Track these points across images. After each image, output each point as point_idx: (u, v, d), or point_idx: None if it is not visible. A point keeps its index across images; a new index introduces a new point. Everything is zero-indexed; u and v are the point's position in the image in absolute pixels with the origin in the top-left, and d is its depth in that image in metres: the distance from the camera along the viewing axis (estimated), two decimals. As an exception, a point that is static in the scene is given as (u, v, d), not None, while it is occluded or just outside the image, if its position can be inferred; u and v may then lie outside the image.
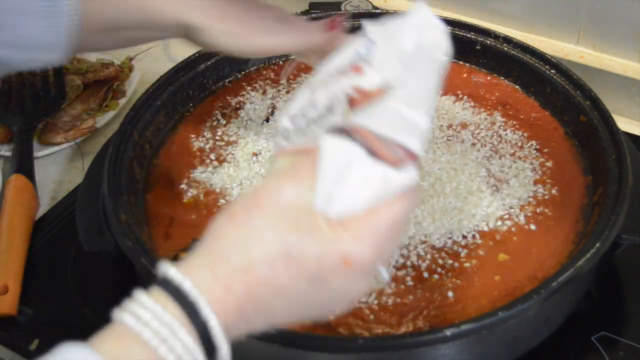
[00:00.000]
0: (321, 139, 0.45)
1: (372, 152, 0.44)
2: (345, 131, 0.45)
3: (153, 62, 1.05)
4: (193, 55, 0.84)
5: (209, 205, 0.72)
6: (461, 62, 0.89)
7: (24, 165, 0.85)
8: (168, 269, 0.43)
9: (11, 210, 0.79)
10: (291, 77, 0.88)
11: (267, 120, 0.81)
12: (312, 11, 1.01)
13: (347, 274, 0.44)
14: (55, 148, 0.91)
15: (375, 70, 0.46)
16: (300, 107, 0.49)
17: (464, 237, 0.68)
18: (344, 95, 0.46)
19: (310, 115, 0.48)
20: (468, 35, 0.87)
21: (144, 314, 0.41)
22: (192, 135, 0.80)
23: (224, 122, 0.82)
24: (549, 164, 0.76)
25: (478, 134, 0.79)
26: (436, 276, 0.65)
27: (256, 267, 0.42)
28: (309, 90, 0.50)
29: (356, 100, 0.46)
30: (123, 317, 0.41)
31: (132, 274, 0.69)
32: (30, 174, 0.85)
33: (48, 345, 0.69)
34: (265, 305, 0.43)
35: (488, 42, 0.86)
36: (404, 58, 0.47)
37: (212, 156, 0.78)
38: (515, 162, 0.76)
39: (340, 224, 0.44)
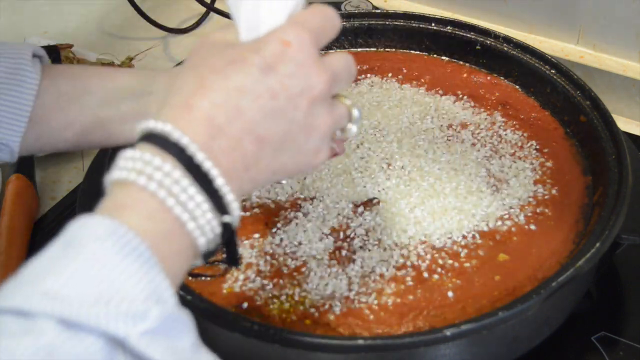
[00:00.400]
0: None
1: None
2: None
3: (153, 61, 1.05)
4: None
5: (209, 205, 0.72)
6: (461, 62, 0.89)
7: (24, 165, 0.85)
8: (154, 124, 0.43)
9: (11, 210, 0.79)
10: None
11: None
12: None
13: (292, 56, 0.46)
14: (55, 148, 0.91)
15: None
16: None
17: (464, 237, 0.68)
18: None
19: None
20: (468, 35, 0.87)
21: (147, 169, 0.41)
22: (192, 135, 0.80)
23: (224, 122, 0.82)
24: (549, 164, 0.76)
25: (478, 134, 0.79)
26: (436, 276, 0.65)
27: (218, 101, 0.44)
28: None
29: None
30: (129, 176, 0.41)
31: (132, 273, 0.68)
32: (30, 174, 0.85)
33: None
34: (245, 128, 0.44)
35: (488, 42, 0.86)
36: None
37: (212, 156, 0.77)
38: (515, 162, 0.76)
39: None
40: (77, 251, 0.38)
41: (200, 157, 0.42)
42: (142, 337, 0.36)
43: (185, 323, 0.39)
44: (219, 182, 0.43)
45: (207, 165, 0.42)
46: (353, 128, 0.52)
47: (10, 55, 0.63)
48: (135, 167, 0.41)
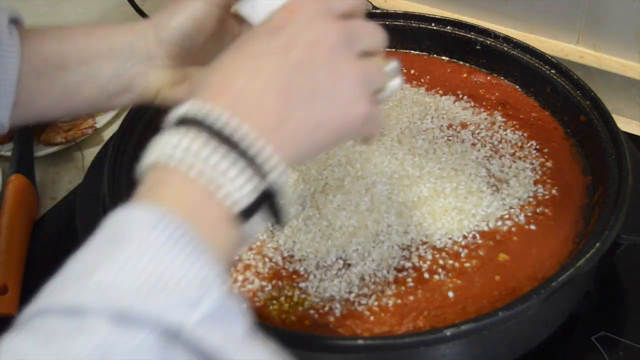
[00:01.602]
0: None
1: None
2: None
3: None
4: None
5: (209, 205, 0.72)
6: (461, 62, 0.89)
7: (24, 165, 0.85)
8: (181, 110, 0.43)
9: (11, 210, 0.79)
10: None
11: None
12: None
13: (298, 17, 0.46)
14: (55, 148, 0.91)
15: None
16: None
17: (465, 237, 0.68)
18: None
19: None
20: (468, 35, 0.87)
21: (192, 158, 0.41)
22: (192, 135, 0.80)
23: (224, 122, 0.82)
24: (549, 164, 0.76)
25: (478, 134, 0.79)
26: (437, 277, 0.65)
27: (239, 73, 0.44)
28: None
29: None
30: (157, 158, 0.41)
31: (132, 274, 0.68)
32: (30, 174, 0.85)
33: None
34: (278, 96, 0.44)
35: (488, 42, 0.86)
36: None
37: (212, 156, 0.77)
38: (515, 162, 0.76)
39: None
40: (125, 243, 0.37)
41: (224, 117, 0.41)
42: (199, 325, 0.35)
43: (237, 309, 0.38)
44: (250, 138, 0.41)
45: (234, 122, 0.41)
46: (395, 82, 0.51)
47: None
48: (163, 150, 0.41)
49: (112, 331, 0.34)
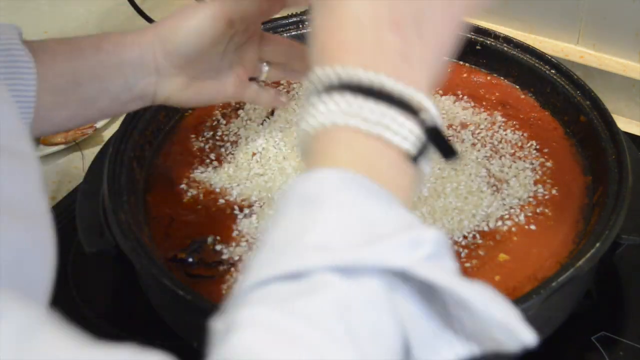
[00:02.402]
0: None
1: None
2: None
3: (153, 62, 1.04)
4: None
5: (209, 205, 0.72)
6: (461, 62, 0.89)
7: (24, 165, 0.85)
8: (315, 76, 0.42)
9: (11, 210, 0.79)
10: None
11: (268, 119, 0.81)
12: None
13: None
14: (55, 148, 0.91)
15: None
16: None
17: (465, 237, 0.68)
18: None
19: None
20: (468, 35, 0.87)
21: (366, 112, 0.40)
22: (192, 135, 0.80)
23: (224, 122, 0.82)
24: (549, 164, 0.76)
25: (478, 134, 0.79)
26: (436, 276, 0.65)
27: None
28: None
29: None
30: (348, 122, 0.40)
31: (132, 274, 0.68)
32: (30, 174, 0.84)
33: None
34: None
35: (488, 42, 0.86)
36: None
37: (212, 156, 0.78)
38: (515, 162, 0.76)
39: None
40: (323, 203, 0.37)
41: (364, 73, 0.41)
42: (422, 265, 0.36)
43: (447, 246, 0.39)
44: (396, 85, 0.41)
45: (375, 76, 0.41)
46: None
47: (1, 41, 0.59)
48: (326, 112, 0.41)
49: (344, 284, 0.34)
